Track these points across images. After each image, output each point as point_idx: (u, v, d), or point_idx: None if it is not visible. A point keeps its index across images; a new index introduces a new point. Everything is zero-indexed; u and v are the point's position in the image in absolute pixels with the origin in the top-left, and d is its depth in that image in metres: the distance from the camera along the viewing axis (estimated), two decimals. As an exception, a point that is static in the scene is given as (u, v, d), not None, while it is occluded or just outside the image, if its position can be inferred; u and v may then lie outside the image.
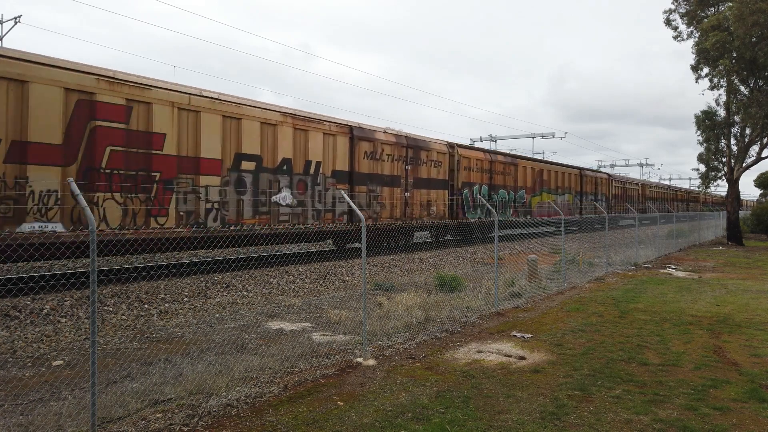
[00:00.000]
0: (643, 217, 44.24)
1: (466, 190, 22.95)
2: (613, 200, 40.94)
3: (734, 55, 26.59)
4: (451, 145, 22.58)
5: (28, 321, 8.52)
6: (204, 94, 12.55)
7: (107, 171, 10.70)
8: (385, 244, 17.49)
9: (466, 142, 46.04)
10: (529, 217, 28.45)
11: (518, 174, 27.61)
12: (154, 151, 11.53)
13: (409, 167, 19.44)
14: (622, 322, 9.24)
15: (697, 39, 28.24)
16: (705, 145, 30.88)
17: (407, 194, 19.22)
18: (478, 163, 24.15)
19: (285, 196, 14.32)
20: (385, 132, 18.56)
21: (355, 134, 17.00)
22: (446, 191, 21.64)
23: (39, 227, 9.54)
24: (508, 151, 27.29)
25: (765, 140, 29.44)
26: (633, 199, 45.44)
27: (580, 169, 36.67)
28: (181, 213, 11.95)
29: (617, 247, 22.07)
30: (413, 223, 19.50)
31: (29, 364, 6.69)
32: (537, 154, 57.57)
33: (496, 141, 55.64)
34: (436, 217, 20.84)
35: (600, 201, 38.28)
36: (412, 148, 19.72)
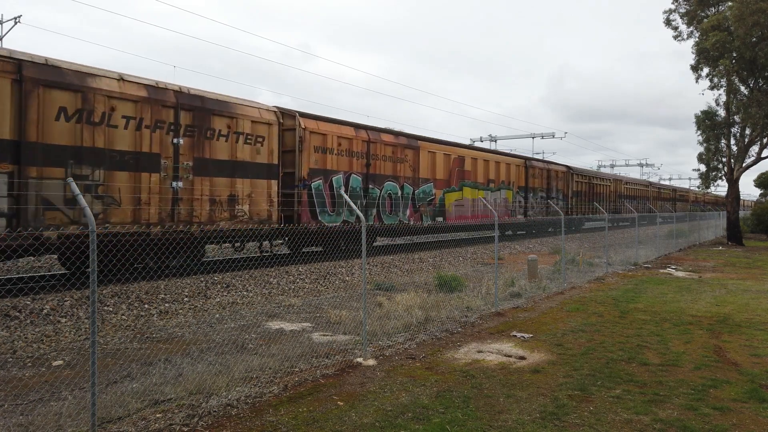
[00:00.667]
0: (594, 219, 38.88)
1: (318, 181, 15.81)
2: (573, 198, 33.63)
3: (734, 55, 26.61)
4: (289, 114, 15.39)
5: (28, 321, 8.52)
6: None
7: None
8: (136, 265, 11.74)
9: (466, 142, 44.31)
10: (440, 219, 21.10)
11: (421, 161, 20.26)
12: None
13: (183, 141, 12.15)
14: (622, 322, 9.24)
15: (697, 39, 28.27)
16: (705, 145, 30.91)
17: (178, 185, 12.06)
18: (344, 143, 16.82)
19: None
20: (122, 80, 11.21)
21: (27, 75, 9.74)
22: (274, 181, 14.38)
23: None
24: (401, 130, 20.23)
25: (765, 140, 29.46)
26: (602, 198, 38.30)
27: (526, 158, 29.78)
28: None
29: (617, 247, 22.08)
30: (193, 229, 12.25)
31: (29, 364, 6.69)
32: (537, 154, 57.55)
33: (496, 141, 55.68)
34: (252, 221, 13.72)
35: (555, 199, 31.43)
36: (189, 110, 12.33)
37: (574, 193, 34.00)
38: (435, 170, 21.20)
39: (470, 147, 25.51)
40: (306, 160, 15.59)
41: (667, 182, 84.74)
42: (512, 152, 28.82)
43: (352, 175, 17.28)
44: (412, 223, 19.65)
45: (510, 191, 26.63)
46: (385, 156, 18.71)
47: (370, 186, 17.90)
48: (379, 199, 18.22)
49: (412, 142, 20.22)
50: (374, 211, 18.03)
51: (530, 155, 32.98)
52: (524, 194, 28.12)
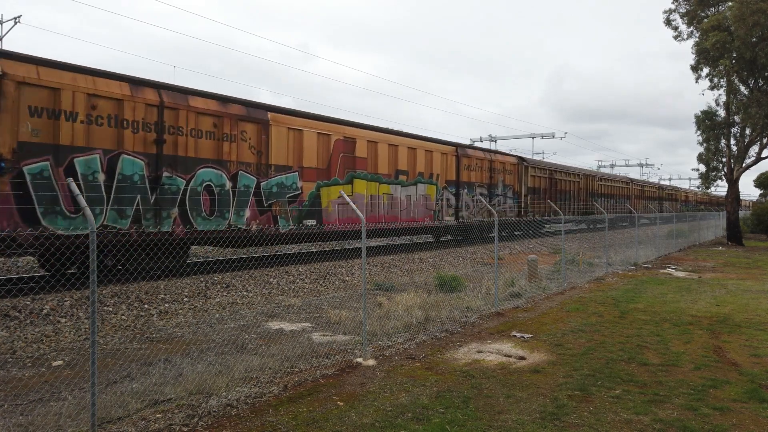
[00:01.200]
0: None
1: (40, 163, 10.09)
2: (528, 196, 28.02)
3: (734, 55, 26.62)
4: None
5: (28, 321, 8.52)
6: None
7: None
8: None
9: (466, 143, 44.22)
10: (311, 223, 15.40)
11: (273, 142, 14.34)
12: None
13: None
14: (622, 322, 9.24)
15: (697, 39, 28.28)
16: (705, 145, 30.92)
17: None
18: (105, 106, 11.03)
19: None
20: None
21: None
22: None
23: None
24: (236, 96, 14.04)
25: (765, 140, 29.48)
26: (568, 196, 32.74)
27: (457, 145, 23.31)
28: None
29: (617, 247, 22.08)
30: None
31: (29, 364, 6.69)
32: (537, 154, 57.54)
33: (495, 141, 55.71)
34: None
35: (501, 197, 25.64)
36: None
37: (530, 189, 28.23)
38: (302, 155, 15.18)
39: (367, 126, 18.41)
40: (10, 128, 9.76)
41: (667, 182, 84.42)
42: (439, 138, 22.29)
43: (124, 156, 11.21)
44: (254, 228, 13.63)
45: (433, 186, 20.88)
46: (199, 131, 12.63)
47: (167, 174, 11.91)
48: (186, 194, 12.23)
49: (254, 113, 13.99)
50: (174, 210, 12.20)
51: (464, 142, 25.07)
52: (455, 190, 22.29)
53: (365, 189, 17.49)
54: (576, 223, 36.82)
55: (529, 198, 28.09)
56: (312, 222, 15.40)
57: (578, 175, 34.86)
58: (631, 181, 46.94)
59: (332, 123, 16.70)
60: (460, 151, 22.96)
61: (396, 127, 19.21)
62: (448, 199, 21.77)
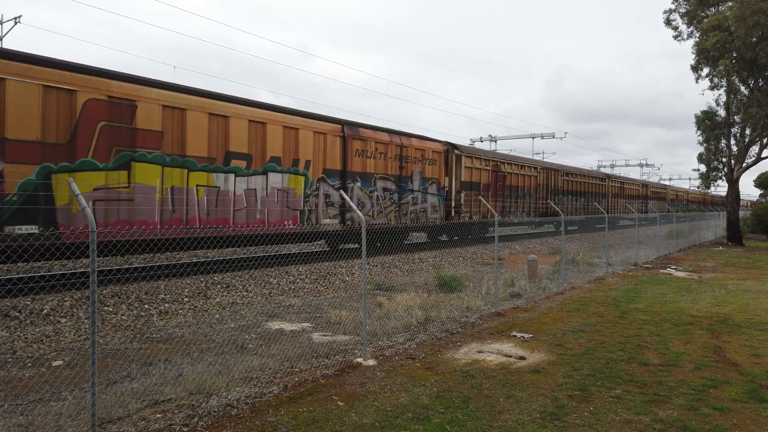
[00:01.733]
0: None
1: None
2: (464, 193, 22.14)
3: (734, 55, 26.63)
4: None
5: (28, 321, 8.52)
6: None
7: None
8: None
9: (465, 143, 42.26)
10: (27, 231, 9.36)
11: None
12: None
13: None
14: (622, 322, 9.24)
15: (697, 39, 28.29)
16: (705, 145, 30.94)
17: None
18: None
19: None
20: None
21: None
22: None
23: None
24: None
25: (765, 140, 29.49)
26: (522, 193, 27.00)
27: (344, 123, 16.97)
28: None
29: (617, 247, 22.07)
30: None
31: (29, 364, 6.69)
32: (537, 154, 57.53)
33: (496, 141, 55.74)
34: None
35: (419, 194, 19.94)
36: None
37: (465, 185, 22.28)
38: (3, 120, 9.33)
39: (161, 85, 12.00)
40: None
41: (667, 182, 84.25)
42: (313, 112, 16.19)
43: None
44: None
45: (300, 177, 15.07)
46: None
47: None
48: None
49: None
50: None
51: (353, 119, 18.05)
52: (341, 183, 16.51)
53: (158, 179, 11.60)
54: (534, 225, 31.79)
55: (463, 195, 22.07)
56: (31, 228, 9.65)
57: (535, 168, 28.87)
58: (608, 177, 40.68)
59: (83, 74, 10.55)
60: (348, 130, 16.81)
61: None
62: (327, 196, 16.00)
